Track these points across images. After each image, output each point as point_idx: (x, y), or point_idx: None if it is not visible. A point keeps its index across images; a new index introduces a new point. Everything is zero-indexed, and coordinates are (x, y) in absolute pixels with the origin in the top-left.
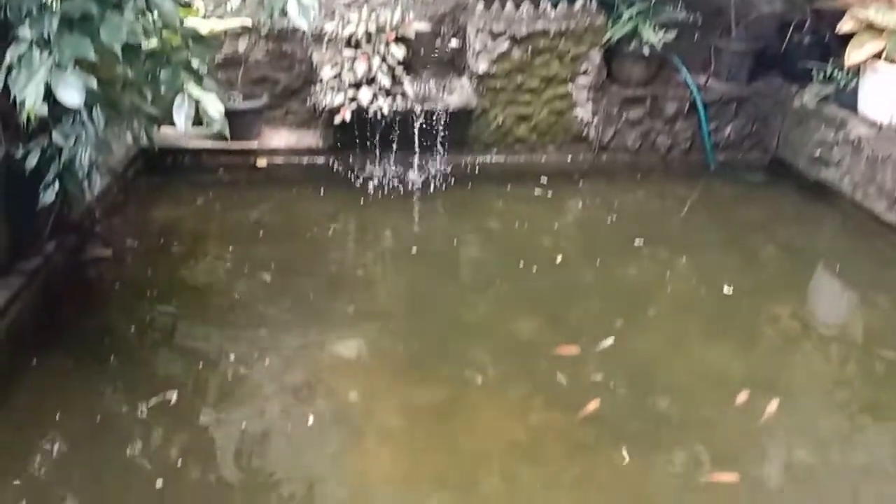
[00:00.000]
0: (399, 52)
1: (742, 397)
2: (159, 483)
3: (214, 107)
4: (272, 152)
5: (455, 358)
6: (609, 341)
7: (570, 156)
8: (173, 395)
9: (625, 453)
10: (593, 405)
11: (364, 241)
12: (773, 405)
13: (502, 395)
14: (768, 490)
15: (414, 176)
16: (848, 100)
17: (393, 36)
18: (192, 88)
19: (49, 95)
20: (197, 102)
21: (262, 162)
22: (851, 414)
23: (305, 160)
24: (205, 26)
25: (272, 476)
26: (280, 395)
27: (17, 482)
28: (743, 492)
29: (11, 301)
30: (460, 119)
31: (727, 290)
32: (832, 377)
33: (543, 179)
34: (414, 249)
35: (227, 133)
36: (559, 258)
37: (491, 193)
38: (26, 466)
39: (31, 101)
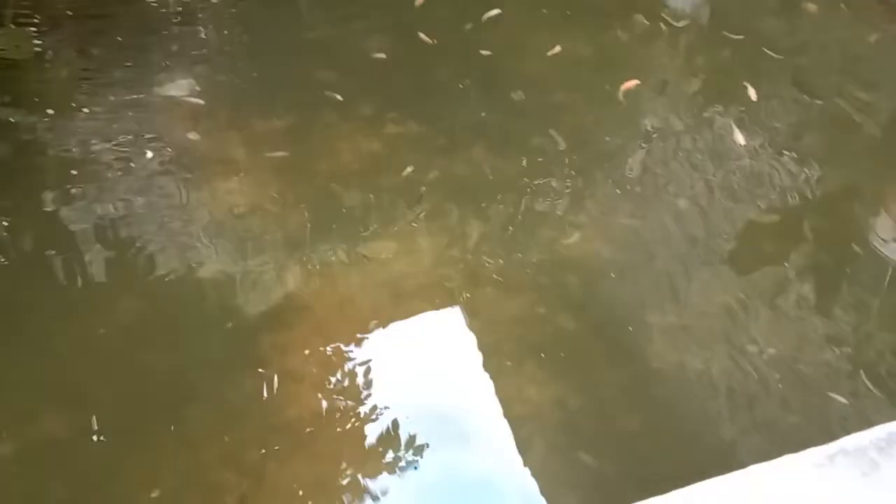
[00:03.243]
0: None
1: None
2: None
3: None
4: None
5: (299, 82)
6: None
7: None
8: None
9: (481, 149)
10: (448, 105)
11: None
12: (629, 84)
13: (355, 112)
14: (621, 162)
15: None
16: None
17: None
18: None
19: None
20: None
21: None
22: (699, 94)
23: None
24: None
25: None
26: (112, 144)
27: None
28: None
29: None
30: None
31: None
32: (682, 61)
33: None
34: None
35: None
36: None
37: None
38: None
39: None
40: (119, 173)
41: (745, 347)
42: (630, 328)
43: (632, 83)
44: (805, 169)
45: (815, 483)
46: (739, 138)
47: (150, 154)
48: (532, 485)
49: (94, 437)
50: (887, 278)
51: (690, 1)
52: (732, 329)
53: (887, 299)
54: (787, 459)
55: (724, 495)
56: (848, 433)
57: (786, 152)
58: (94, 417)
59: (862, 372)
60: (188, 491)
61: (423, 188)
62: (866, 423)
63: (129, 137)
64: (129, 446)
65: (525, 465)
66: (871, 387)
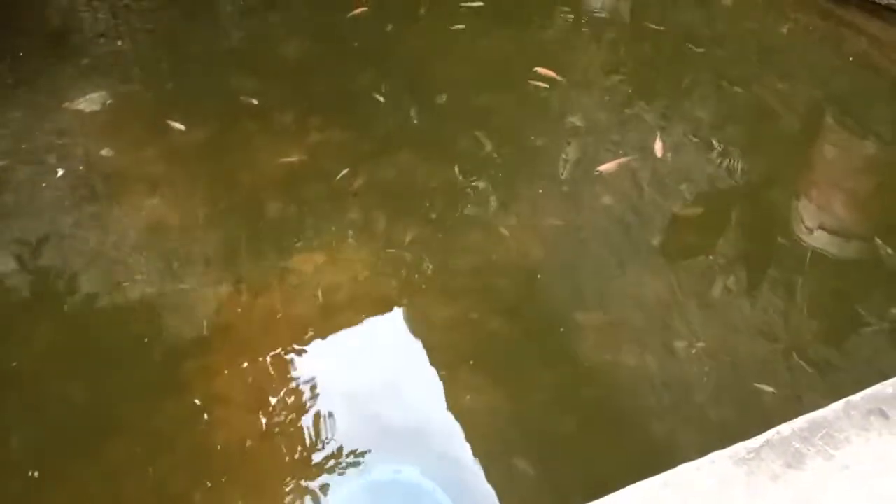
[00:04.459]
0: None
1: (520, 83)
2: None
3: None
4: None
5: (217, 90)
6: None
7: None
8: None
9: (408, 154)
10: (372, 110)
11: None
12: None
13: (278, 120)
14: (547, 162)
15: None
16: None
17: None
18: None
19: None
20: None
21: None
22: (623, 89)
23: None
24: None
25: (47, 252)
26: (21, 163)
27: None
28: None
29: None
30: None
31: None
32: (606, 56)
33: None
34: None
35: None
36: None
37: None
38: None
39: None
40: (30, 193)
41: (675, 343)
42: (561, 329)
43: (546, 71)
44: (728, 159)
45: (743, 478)
46: (658, 147)
47: (61, 172)
48: (469, 494)
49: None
50: (811, 264)
51: None
52: (662, 325)
53: (812, 285)
54: (715, 456)
55: (653, 498)
56: (777, 421)
57: (710, 143)
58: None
59: (792, 354)
60: None
61: (358, 182)
62: (795, 410)
63: (39, 156)
64: (47, 482)
65: (462, 474)
66: (802, 368)
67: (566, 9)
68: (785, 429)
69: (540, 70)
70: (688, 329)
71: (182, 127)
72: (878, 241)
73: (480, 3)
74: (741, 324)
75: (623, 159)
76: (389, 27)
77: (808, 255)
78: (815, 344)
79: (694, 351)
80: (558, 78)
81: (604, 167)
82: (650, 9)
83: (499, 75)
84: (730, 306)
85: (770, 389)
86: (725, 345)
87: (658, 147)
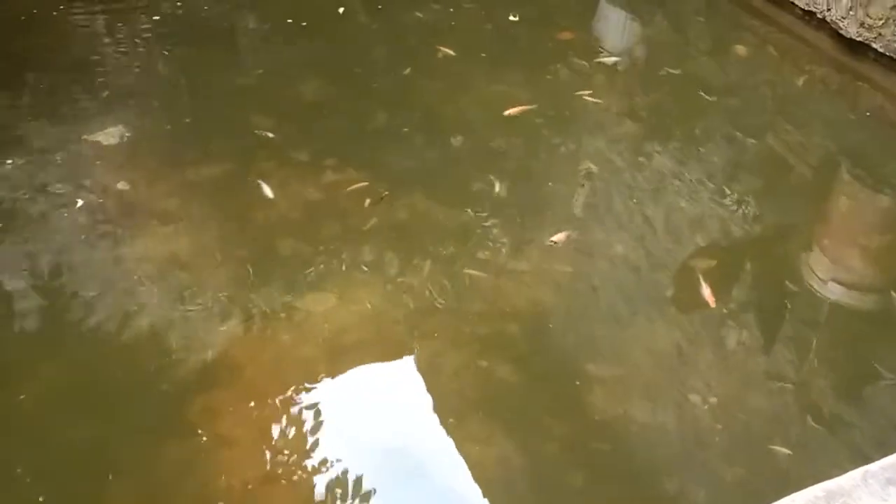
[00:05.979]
0: None
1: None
2: None
3: None
4: None
5: (232, 128)
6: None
7: None
8: None
9: (422, 196)
10: (387, 151)
11: (108, 14)
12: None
13: (293, 159)
14: (561, 207)
15: None
16: None
17: None
18: None
19: None
20: None
21: None
22: (636, 130)
23: None
24: None
25: (60, 283)
26: (39, 194)
27: None
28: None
29: None
30: None
31: (513, 18)
32: (619, 102)
33: None
34: (157, 18)
35: None
36: (341, 10)
37: None
38: None
39: None
40: (46, 223)
41: (688, 397)
42: (572, 379)
43: (519, 108)
44: (742, 209)
45: None
46: (706, 292)
47: (78, 203)
48: None
49: None
50: (825, 317)
51: (625, 42)
52: (675, 378)
53: (826, 338)
54: None
55: None
56: (791, 483)
57: (723, 192)
58: None
59: (806, 409)
60: None
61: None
62: (809, 467)
63: (58, 187)
64: None
65: None
66: (817, 424)
67: (581, 54)
68: (800, 497)
69: (511, 111)
70: (700, 383)
71: (271, 194)
72: (894, 294)
73: (495, 51)
74: (754, 377)
75: (571, 232)
76: (407, 70)
77: (822, 307)
78: (830, 400)
79: (707, 406)
80: (529, 107)
81: (556, 237)
82: (663, 58)
83: (513, 120)
84: (743, 359)
85: (785, 451)
86: (739, 399)
87: (707, 294)
